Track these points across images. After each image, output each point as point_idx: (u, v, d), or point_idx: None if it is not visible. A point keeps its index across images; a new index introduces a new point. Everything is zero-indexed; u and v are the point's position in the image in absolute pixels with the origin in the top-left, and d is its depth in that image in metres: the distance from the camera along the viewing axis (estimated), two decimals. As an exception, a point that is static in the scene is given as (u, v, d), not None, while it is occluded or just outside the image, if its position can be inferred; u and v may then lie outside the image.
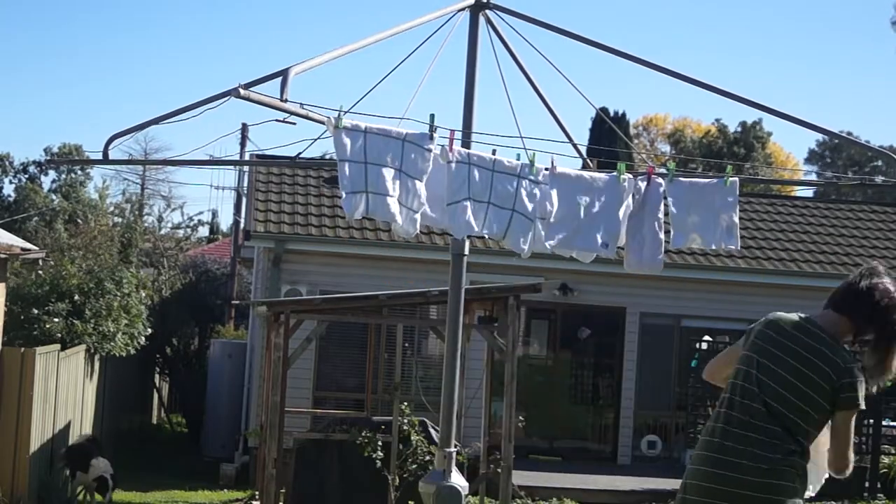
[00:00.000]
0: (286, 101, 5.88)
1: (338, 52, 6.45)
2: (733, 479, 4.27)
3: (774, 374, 4.35)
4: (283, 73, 5.90)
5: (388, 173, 5.88)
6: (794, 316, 4.50)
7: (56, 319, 14.42)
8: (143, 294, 17.46)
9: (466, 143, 6.65)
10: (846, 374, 4.32)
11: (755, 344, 4.45)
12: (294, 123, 23.38)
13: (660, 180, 6.93)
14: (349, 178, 5.78)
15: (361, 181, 5.81)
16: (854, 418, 4.41)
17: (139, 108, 76.01)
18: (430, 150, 6.00)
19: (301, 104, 6.11)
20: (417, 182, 5.96)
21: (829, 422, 4.43)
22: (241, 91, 5.83)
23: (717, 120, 52.39)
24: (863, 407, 4.40)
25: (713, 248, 7.10)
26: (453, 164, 6.15)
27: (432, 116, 6.06)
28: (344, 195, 5.77)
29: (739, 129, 50.64)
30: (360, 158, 5.83)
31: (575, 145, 7.82)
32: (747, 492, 4.25)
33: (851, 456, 4.43)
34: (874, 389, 4.47)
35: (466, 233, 6.35)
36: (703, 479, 4.35)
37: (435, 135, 6.07)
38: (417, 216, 6.00)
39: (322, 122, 6.17)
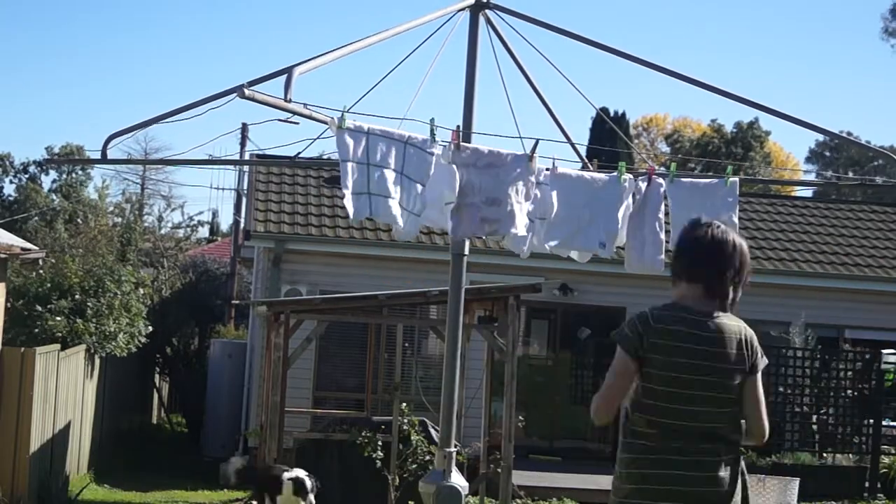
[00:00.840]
0: (290, 100, 5.87)
1: (340, 52, 6.45)
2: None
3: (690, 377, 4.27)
4: (287, 73, 5.89)
5: (390, 175, 5.88)
6: (660, 312, 4.30)
7: (58, 318, 14.43)
8: (142, 292, 17.46)
9: (467, 142, 6.65)
10: (749, 339, 4.30)
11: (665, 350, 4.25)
12: (297, 123, 23.39)
13: (660, 180, 6.93)
14: (352, 180, 5.78)
15: (364, 182, 5.81)
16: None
17: (139, 108, 76.19)
18: (432, 154, 5.99)
19: (305, 104, 6.10)
20: (419, 185, 5.96)
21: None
22: (246, 90, 5.80)
23: (713, 120, 52.44)
24: (766, 362, 4.33)
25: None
26: (454, 165, 6.15)
27: (432, 120, 6.06)
28: (346, 196, 5.76)
29: (735, 130, 50.63)
30: (363, 160, 5.83)
31: (574, 146, 7.82)
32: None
33: (766, 420, 4.30)
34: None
35: (466, 234, 6.34)
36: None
37: (437, 138, 6.06)
38: (419, 219, 6.00)
39: (324, 122, 6.17)
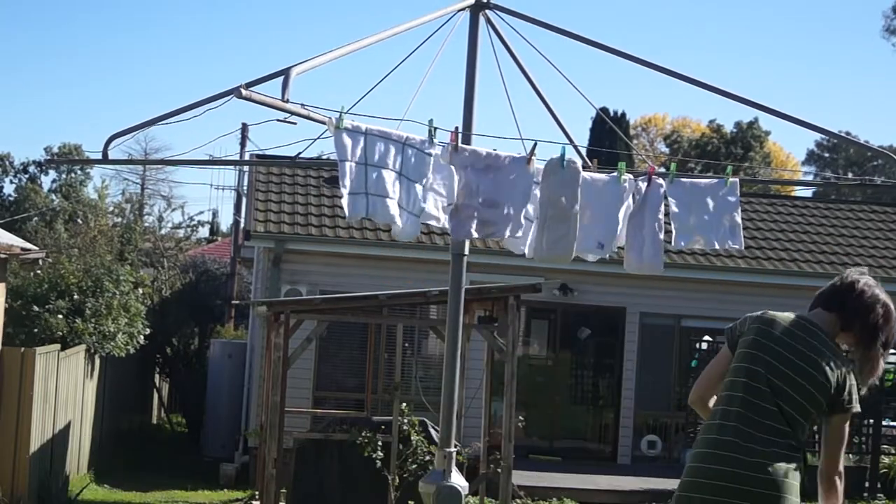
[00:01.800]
0: (287, 101, 5.87)
1: (338, 53, 6.44)
2: (736, 474, 4.26)
3: (781, 373, 4.34)
4: (285, 74, 5.89)
5: (389, 175, 5.87)
6: (791, 315, 4.50)
7: (59, 316, 14.44)
8: (142, 292, 17.46)
9: (467, 143, 6.64)
10: (846, 376, 4.33)
11: (758, 342, 4.43)
12: (295, 123, 23.34)
13: (660, 181, 6.92)
14: (350, 180, 5.77)
15: (362, 183, 5.80)
16: (849, 421, 4.43)
17: (139, 108, 76.13)
18: (430, 155, 5.99)
19: (302, 104, 6.09)
20: (418, 185, 5.95)
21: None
22: (243, 91, 5.81)
23: (713, 120, 52.43)
24: (858, 410, 4.41)
25: (717, 248, 7.09)
26: (453, 166, 6.14)
27: (431, 121, 6.06)
28: (344, 196, 5.76)
29: (735, 130, 50.63)
30: (361, 160, 5.82)
31: (575, 146, 7.81)
32: (750, 488, 4.24)
33: (842, 461, 4.42)
34: (864, 391, 4.47)
35: (464, 236, 6.34)
36: (704, 475, 4.34)
37: (435, 139, 6.06)
38: (418, 219, 5.99)
39: (323, 123, 6.16)
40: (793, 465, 4.29)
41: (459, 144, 6.21)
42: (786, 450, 4.29)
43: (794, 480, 4.28)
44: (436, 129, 6.06)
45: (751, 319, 4.51)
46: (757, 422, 4.31)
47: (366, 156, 5.83)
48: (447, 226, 6.27)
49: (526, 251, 6.69)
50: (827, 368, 4.32)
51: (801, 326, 4.43)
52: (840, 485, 4.41)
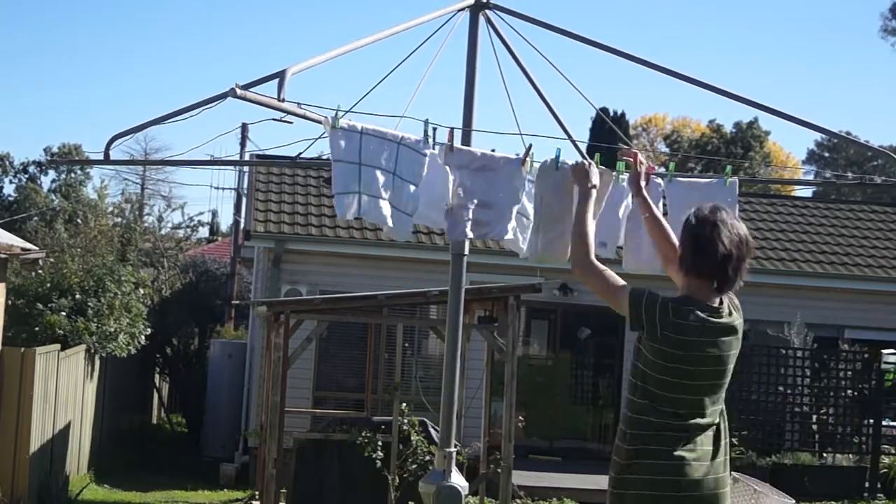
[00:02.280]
0: (283, 100, 5.87)
1: (336, 52, 6.44)
2: None
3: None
4: (281, 74, 5.90)
5: (382, 175, 5.86)
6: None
7: (62, 314, 14.44)
8: (143, 292, 17.47)
9: (466, 144, 6.64)
10: None
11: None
12: (291, 123, 23.40)
13: (658, 180, 6.92)
14: (342, 178, 5.76)
15: (355, 182, 5.79)
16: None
17: (139, 108, 76.14)
18: (425, 155, 5.98)
19: (299, 104, 6.10)
20: (412, 186, 5.94)
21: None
22: (238, 91, 5.82)
23: (713, 120, 52.42)
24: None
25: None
26: (450, 166, 6.13)
27: (427, 121, 6.05)
28: (336, 195, 5.76)
29: (734, 130, 50.62)
30: (355, 159, 5.81)
31: (576, 145, 7.81)
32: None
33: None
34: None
35: (459, 236, 6.33)
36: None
37: (431, 140, 6.05)
38: (411, 219, 5.98)
39: (320, 122, 6.17)
40: None
41: (455, 145, 6.21)
42: None
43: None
44: (434, 129, 6.06)
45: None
46: None
47: (360, 155, 5.82)
48: (444, 226, 6.27)
49: (524, 249, 6.69)
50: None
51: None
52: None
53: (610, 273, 4.64)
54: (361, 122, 5.97)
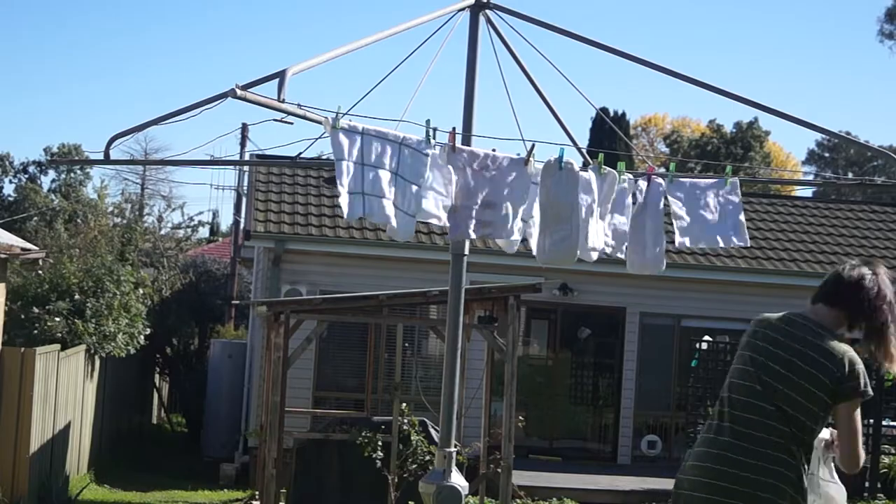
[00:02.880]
0: (283, 101, 5.88)
1: (336, 53, 6.45)
2: (733, 475, 4.26)
3: (774, 372, 4.34)
4: (281, 74, 5.91)
5: (385, 176, 5.87)
6: (782, 313, 4.51)
7: (57, 318, 14.42)
8: (142, 292, 17.45)
9: (466, 144, 6.64)
10: (844, 365, 4.29)
11: (751, 343, 4.44)
12: (291, 123, 23.41)
13: (660, 181, 6.93)
14: (347, 179, 5.77)
15: (359, 182, 5.80)
16: (858, 409, 4.34)
17: (139, 108, 76.15)
18: (427, 155, 5.98)
19: (299, 104, 6.10)
20: (414, 186, 5.95)
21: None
22: (238, 91, 5.83)
23: (712, 120, 52.41)
24: (870, 393, 4.35)
25: (721, 246, 7.11)
26: (451, 167, 6.13)
27: (428, 122, 6.05)
28: (341, 196, 5.77)
29: (734, 130, 50.61)
30: (358, 160, 5.82)
31: (576, 145, 7.81)
32: (743, 488, 4.25)
33: (861, 451, 4.34)
34: (885, 370, 4.43)
35: (462, 236, 6.34)
36: (700, 474, 4.35)
37: (433, 140, 6.05)
38: (413, 219, 5.99)
39: (319, 122, 6.18)
40: (785, 468, 4.28)
41: (457, 145, 6.21)
42: (784, 453, 4.28)
43: (785, 484, 4.28)
44: (435, 129, 6.06)
45: (751, 325, 4.54)
46: (754, 422, 4.30)
47: (362, 156, 5.83)
48: (447, 225, 6.27)
49: (535, 251, 6.68)
50: (823, 361, 4.30)
51: (792, 323, 4.42)
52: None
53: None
54: (363, 123, 5.98)
